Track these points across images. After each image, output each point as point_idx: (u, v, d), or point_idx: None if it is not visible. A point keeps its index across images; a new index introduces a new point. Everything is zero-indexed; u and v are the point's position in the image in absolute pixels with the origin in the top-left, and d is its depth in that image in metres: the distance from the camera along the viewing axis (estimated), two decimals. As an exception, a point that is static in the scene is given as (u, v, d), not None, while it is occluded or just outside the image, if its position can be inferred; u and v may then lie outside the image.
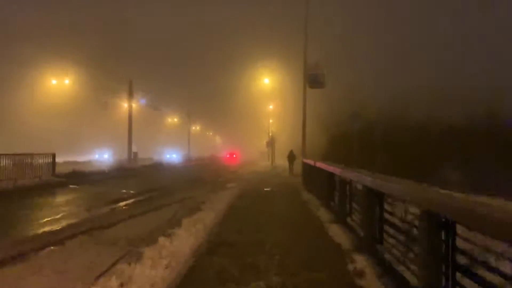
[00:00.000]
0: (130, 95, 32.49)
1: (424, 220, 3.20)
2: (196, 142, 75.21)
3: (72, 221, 8.05)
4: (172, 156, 49.54)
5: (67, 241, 6.13)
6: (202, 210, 8.65)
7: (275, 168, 29.61)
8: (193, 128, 70.30)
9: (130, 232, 6.78)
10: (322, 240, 5.94)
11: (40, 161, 16.20)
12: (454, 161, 22.88)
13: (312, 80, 17.62)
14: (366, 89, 31.03)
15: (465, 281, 2.90)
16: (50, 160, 16.77)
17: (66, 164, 23.76)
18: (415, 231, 4.04)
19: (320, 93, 19.43)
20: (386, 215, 4.88)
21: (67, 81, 31.62)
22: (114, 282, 3.79)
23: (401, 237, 4.34)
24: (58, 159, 19.66)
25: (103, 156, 41.47)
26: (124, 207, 10.23)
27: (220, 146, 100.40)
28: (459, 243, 3.14)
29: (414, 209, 3.95)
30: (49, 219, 8.22)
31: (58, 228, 7.31)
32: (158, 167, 31.58)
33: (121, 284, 3.80)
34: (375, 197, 4.96)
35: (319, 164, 10.53)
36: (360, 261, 4.72)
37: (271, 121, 45.88)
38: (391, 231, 4.71)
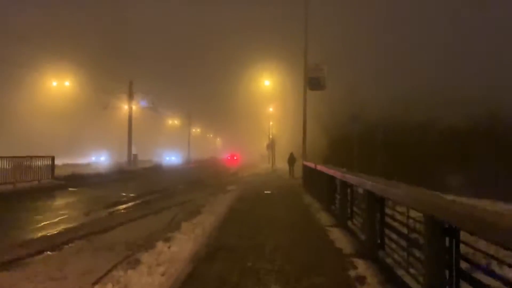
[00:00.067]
0: (130, 96, 32.40)
1: (427, 226, 3.11)
2: (197, 144, 75.17)
3: (70, 225, 7.96)
4: (171, 158, 49.39)
5: (64, 246, 6.05)
6: (202, 214, 8.57)
7: (276, 171, 29.51)
8: (194, 130, 70.25)
9: (129, 236, 6.70)
10: (323, 245, 5.85)
11: (39, 163, 16.12)
12: (455, 162, 22.79)
13: (313, 82, 17.56)
14: (366, 90, 31.00)
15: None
16: (49, 162, 16.69)
17: (66, 166, 23.69)
18: (417, 236, 3.96)
19: (320, 94, 19.35)
20: (388, 220, 4.80)
21: (67, 83, 31.56)
22: (109, 289, 3.70)
23: (403, 242, 4.26)
24: (58, 162, 19.60)
25: (99, 159, 41.05)
26: (123, 211, 10.14)
27: (220, 148, 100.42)
28: (463, 249, 3.07)
29: (415, 213, 3.87)
30: (46, 223, 8.13)
31: (55, 233, 7.23)
32: (158, 170, 31.50)
33: (117, 292, 3.71)
34: (376, 202, 4.88)
35: (320, 167, 10.45)
36: (362, 267, 4.63)
37: (271, 123, 45.80)
38: (393, 236, 4.62)
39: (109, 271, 4.48)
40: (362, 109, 20.02)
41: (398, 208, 4.60)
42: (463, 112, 25.84)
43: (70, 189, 14.83)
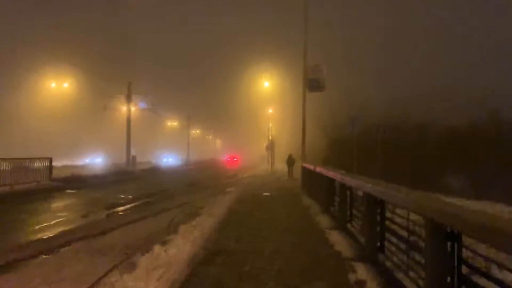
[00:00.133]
0: (129, 98, 32.35)
1: (429, 230, 3.05)
2: (196, 146, 75.11)
3: (67, 227, 7.90)
4: (168, 160, 49.23)
5: (61, 249, 5.98)
6: (200, 216, 8.50)
7: (275, 172, 29.44)
8: (193, 131, 70.19)
9: (126, 239, 6.64)
10: (322, 248, 5.78)
11: (37, 165, 16.05)
12: (454, 164, 22.76)
13: (312, 83, 17.51)
14: (365, 91, 31.02)
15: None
16: (47, 164, 16.60)
17: (64, 168, 23.60)
18: (418, 239, 3.91)
19: (320, 96, 19.30)
20: (387, 222, 4.74)
21: (66, 85, 31.51)
22: (105, 294, 3.63)
23: (404, 246, 4.20)
24: (56, 163, 19.54)
25: (94, 160, 40.58)
26: (121, 213, 10.07)
27: (220, 150, 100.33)
28: (466, 254, 3.01)
29: (415, 216, 3.81)
30: (43, 225, 8.07)
31: (52, 235, 7.16)
32: (157, 171, 31.41)
33: (112, 297, 3.64)
34: (376, 204, 4.82)
35: (319, 169, 10.38)
36: (361, 270, 4.57)
37: (270, 125, 45.76)
38: (393, 239, 4.56)
39: (105, 275, 4.41)
40: (361, 110, 20.00)
41: (398, 211, 4.54)
42: (463, 113, 25.84)
43: (68, 191, 14.75)
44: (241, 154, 65.77)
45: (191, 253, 5.29)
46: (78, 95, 34.54)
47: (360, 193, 5.86)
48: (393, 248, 4.50)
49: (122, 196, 13.19)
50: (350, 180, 6.39)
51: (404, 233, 4.20)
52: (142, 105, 34.66)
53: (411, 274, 3.86)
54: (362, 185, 5.25)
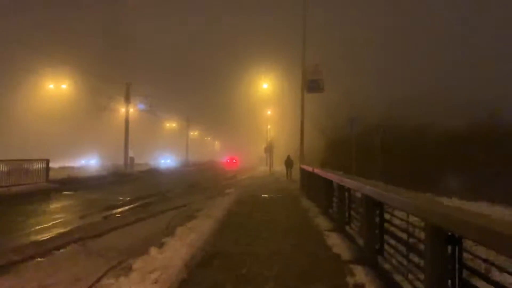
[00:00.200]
0: (127, 99, 32.28)
1: (429, 233, 3.00)
2: (195, 147, 74.99)
3: (63, 229, 7.81)
4: (166, 161, 49.03)
5: (56, 252, 5.91)
6: (198, 218, 8.44)
7: (274, 174, 29.39)
8: (192, 133, 70.07)
9: (122, 241, 6.57)
10: (321, 250, 5.73)
11: (34, 167, 15.95)
12: (453, 165, 22.72)
13: (311, 85, 17.47)
14: (364, 92, 31.00)
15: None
16: (44, 165, 16.51)
17: (62, 169, 23.49)
18: (417, 242, 3.85)
19: (318, 97, 19.26)
20: (387, 225, 4.69)
21: (64, 86, 31.42)
22: (99, 298, 3.57)
23: (403, 249, 4.15)
24: (54, 165, 19.42)
25: (89, 162, 40.23)
26: (118, 215, 9.99)
27: (219, 151, 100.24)
28: (466, 257, 2.96)
29: (414, 218, 3.76)
30: (39, 227, 7.99)
31: (47, 238, 7.07)
32: (155, 173, 31.30)
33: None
34: (375, 206, 4.77)
35: (317, 171, 10.34)
36: (360, 274, 4.51)
37: (269, 126, 45.75)
38: (392, 241, 4.51)
39: (100, 278, 4.35)
40: (360, 111, 19.95)
41: (397, 213, 4.49)
42: (463, 114, 25.81)
43: (65, 192, 14.65)
44: (240, 155, 65.83)
45: (188, 256, 5.22)
46: (76, 96, 34.44)
47: (358, 194, 5.81)
48: (392, 251, 4.45)
49: (119, 197, 13.10)
50: (348, 182, 6.34)
51: (403, 235, 4.15)
52: (141, 106, 34.59)
53: (410, 277, 3.81)
54: (361, 186, 5.20)
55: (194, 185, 19.35)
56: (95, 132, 47.12)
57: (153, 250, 5.29)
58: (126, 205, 11.45)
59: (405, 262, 3.96)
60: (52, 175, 17.30)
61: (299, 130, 17.83)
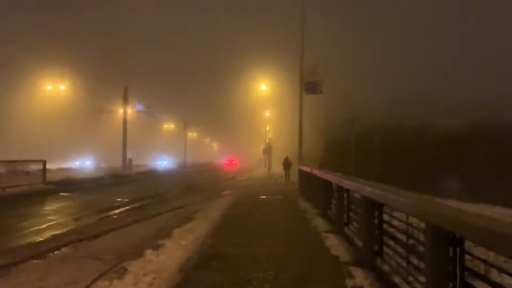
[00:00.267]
0: (125, 101, 32.21)
1: (430, 235, 2.93)
2: (193, 149, 74.86)
3: (58, 231, 7.72)
4: (163, 162, 48.85)
5: (50, 254, 5.82)
6: (195, 219, 8.37)
7: (272, 175, 29.30)
8: (190, 134, 69.95)
9: (118, 243, 6.48)
10: (319, 252, 5.65)
11: (31, 168, 15.83)
12: (452, 166, 22.67)
13: (309, 86, 17.41)
14: (363, 92, 30.95)
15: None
16: (40, 167, 16.38)
17: (59, 170, 23.37)
18: (417, 244, 3.78)
19: (316, 98, 19.21)
20: (386, 226, 4.62)
21: (62, 87, 31.31)
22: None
23: (402, 250, 4.08)
24: (52, 166, 19.29)
25: (84, 163, 39.83)
26: (115, 216, 9.90)
27: (217, 153, 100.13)
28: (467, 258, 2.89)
29: (414, 219, 3.69)
30: (34, 229, 7.89)
31: (42, 239, 6.99)
32: (153, 174, 31.19)
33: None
34: (374, 207, 4.70)
35: (316, 172, 10.26)
36: (359, 276, 4.44)
37: (267, 128, 45.67)
38: (391, 243, 4.44)
39: (94, 281, 4.26)
40: (358, 112, 19.90)
41: (396, 214, 4.42)
42: (463, 114, 25.77)
43: (61, 193, 14.54)
44: (238, 157, 65.84)
45: (183, 258, 5.14)
46: (74, 97, 34.33)
47: (357, 195, 5.74)
48: (391, 252, 4.38)
49: (117, 199, 13.00)
50: (347, 183, 6.27)
51: (403, 237, 4.08)
52: (139, 107, 34.53)
53: (410, 279, 3.73)
54: (360, 187, 5.13)
55: (192, 186, 19.26)
56: (93, 134, 46.98)
57: (149, 253, 5.21)
58: (123, 207, 11.36)
59: (404, 264, 3.89)
60: (49, 176, 17.16)
61: (297, 131, 17.76)
